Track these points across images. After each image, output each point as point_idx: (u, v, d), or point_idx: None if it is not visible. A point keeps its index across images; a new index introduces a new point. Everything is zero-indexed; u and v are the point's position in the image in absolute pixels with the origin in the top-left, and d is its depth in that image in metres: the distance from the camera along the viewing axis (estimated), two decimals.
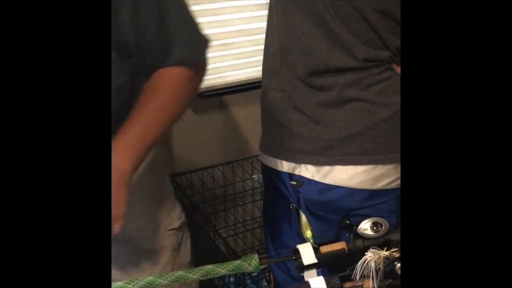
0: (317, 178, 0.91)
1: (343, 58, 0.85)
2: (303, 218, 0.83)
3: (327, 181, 0.90)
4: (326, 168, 0.90)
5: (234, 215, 1.62)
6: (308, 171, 0.91)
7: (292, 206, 0.94)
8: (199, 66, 0.83)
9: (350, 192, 0.88)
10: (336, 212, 0.87)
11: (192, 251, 1.10)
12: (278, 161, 0.95)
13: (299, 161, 0.91)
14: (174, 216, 1.03)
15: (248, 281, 1.55)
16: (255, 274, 1.57)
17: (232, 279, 1.53)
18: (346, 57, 0.85)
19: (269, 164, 0.98)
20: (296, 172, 0.92)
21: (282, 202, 0.98)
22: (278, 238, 1.01)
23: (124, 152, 0.73)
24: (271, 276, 1.39)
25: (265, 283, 1.56)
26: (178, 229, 1.04)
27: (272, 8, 0.93)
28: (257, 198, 1.64)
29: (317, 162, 0.90)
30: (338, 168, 0.89)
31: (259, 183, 1.52)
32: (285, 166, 0.94)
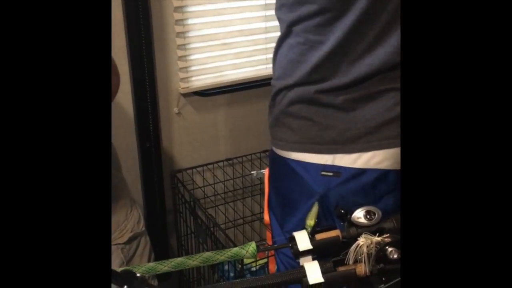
0: (349, 164, 0.91)
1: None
2: (315, 208, 0.85)
3: (358, 165, 0.90)
4: (358, 154, 0.90)
5: (234, 209, 1.65)
6: (342, 160, 0.91)
7: (319, 196, 0.92)
8: None
9: (383, 173, 0.90)
10: (368, 197, 0.87)
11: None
12: (307, 154, 0.94)
13: (333, 152, 0.91)
14: (125, 229, 1.01)
15: (248, 276, 1.58)
16: (254, 269, 1.60)
17: (232, 274, 1.56)
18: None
19: (291, 157, 0.97)
20: (329, 162, 0.92)
21: (304, 192, 0.98)
22: (290, 226, 1.03)
23: None
24: (270, 269, 1.42)
25: None
26: (127, 242, 1.01)
27: None
28: (256, 193, 1.67)
29: (353, 150, 0.90)
30: (371, 153, 0.90)
31: (258, 179, 1.55)
32: (315, 158, 0.93)
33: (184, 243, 1.64)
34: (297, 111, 0.94)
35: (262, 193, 1.63)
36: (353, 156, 0.91)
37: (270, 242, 1.29)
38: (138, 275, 0.59)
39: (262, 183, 1.59)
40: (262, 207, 1.64)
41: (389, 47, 0.86)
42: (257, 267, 1.58)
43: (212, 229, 1.43)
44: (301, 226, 0.92)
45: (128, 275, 0.58)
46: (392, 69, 0.88)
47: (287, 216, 1.03)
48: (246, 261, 1.52)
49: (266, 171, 1.22)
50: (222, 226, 1.59)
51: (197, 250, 1.55)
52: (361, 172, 0.91)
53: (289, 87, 0.94)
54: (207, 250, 1.49)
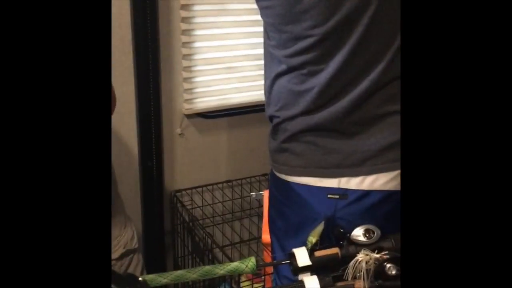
0: (355, 186, 0.91)
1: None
2: (320, 227, 0.86)
3: (363, 187, 0.91)
4: (363, 177, 0.91)
5: (232, 229, 1.65)
6: (348, 183, 0.92)
7: (325, 218, 0.92)
8: None
9: (387, 195, 0.90)
10: (374, 218, 0.86)
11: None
12: (311, 178, 0.94)
13: (338, 175, 0.92)
14: (118, 244, 1.01)
15: None
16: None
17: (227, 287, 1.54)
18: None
19: (295, 181, 0.97)
20: (335, 185, 0.93)
21: (309, 215, 0.96)
22: (291, 243, 1.02)
23: None
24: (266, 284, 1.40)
25: None
26: (119, 258, 1.01)
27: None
28: (254, 215, 1.67)
29: (359, 173, 0.91)
30: (375, 176, 0.90)
31: (256, 200, 1.56)
32: (319, 182, 0.94)
33: (181, 264, 1.63)
34: (301, 137, 0.95)
35: (261, 215, 1.63)
36: (358, 179, 0.92)
37: (268, 261, 1.29)
38: (140, 279, 0.60)
39: (261, 205, 1.59)
40: (260, 228, 1.64)
41: (386, 62, 0.87)
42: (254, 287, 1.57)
43: (210, 248, 1.42)
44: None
45: (131, 279, 0.58)
46: (392, 80, 0.88)
47: (291, 238, 1.03)
48: (243, 284, 1.51)
49: (265, 193, 1.23)
50: (220, 247, 1.59)
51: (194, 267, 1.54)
52: (366, 193, 0.92)
53: (293, 117, 0.94)
54: None
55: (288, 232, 1.04)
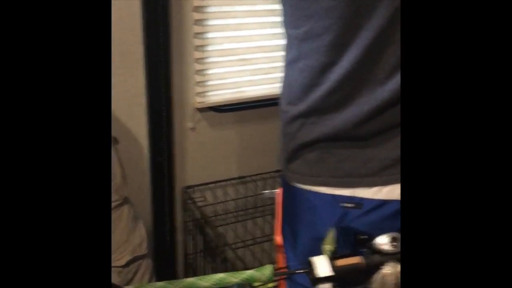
0: (370, 196, 0.87)
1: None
2: (332, 233, 0.81)
3: (379, 197, 0.87)
4: (379, 187, 0.87)
5: (245, 228, 1.60)
6: (363, 192, 0.87)
7: (338, 227, 0.90)
8: None
9: None
10: (391, 230, 0.81)
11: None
12: (323, 188, 0.90)
13: (352, 185, 0.87)
14: (125, 251, 0.98)
15: None
16: None
17: None
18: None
19: (306, 188, 0.92)
20: (348, 193, 0.88)
21: (318, 222, 0.94)
22: (303, 253, 0.98)
23: None
24: None
25: None
26: (126, 265, 0.98)
27: None
28: (268, 213, 1.63)
29: (374, 183, 0.86)
30: (391, 186, 0.85)
31: (270, 198, 1.51)
32: (332, 190, 0.89)
33: (192, 262, 1.59)
34: (314, 145, 0.88)
35: (274, 214, 1.58)
36: (374, 189, 0.86)
37: (280, 265, 1.24)
38: None
39: (274, 203, 1.54)
40: (273, 228, 1.59)
41: None
42: None
43: (221, 248, 1.38)
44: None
45: None
46: None
47: (301, 246, 0.99)
48: (254, 284, 1.47)
49: (278, 191, 1.18)
50: (232, 246, 1.54)
51: (205, 269, 1.51)
52: (382, 203, 0.87)
53: (304, 115, 0.88)
54: (215, 270, 1.44)
55: (298, 239, 0.99)
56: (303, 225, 0.96)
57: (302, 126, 0.90)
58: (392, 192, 0.87)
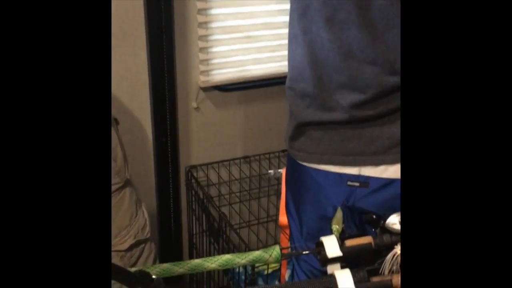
0: (377, 175, 0.85)
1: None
2: (339, 213, 0.79)
3: (386, 175, 0.85)
4: (385, 166, 0.84)
5: (249, 209, 1.59)
6: (369, 170, 0.85)
7: (344, 205, 0.88)
8: None
9: None
10: (397, 209, 0.82)
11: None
12: (330, 166, 0.88)
13: (358, 164, 0.85)
14: (127, 235, 0.96)
15: (259, 281, 1.52)
16: (266, 273, 1.54)
17: (242, 277, 1.50)
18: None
19: (312, 166, 0.91)
20: (355, 172, 0.86)
21: (324, 201, 0.92)
22: (307, 230, 0.97)
23: None
24: (283, 273, 1.36)
25: (277, 282, 1.52)
26: (129, 249, 0.96)
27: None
28: (272, 194, 1.61)
29: (382, 162, 0.84)
30: (398, 165, 0.83)
31: (275, 178, 1.49)
32: (339, 168, 0.88)
33: (196, 242, 1.58)
34: (319, 123, 0.87)
35: (279, 194, 1.56)
36: (381, 167, 0.85)
37: (284, 245, 1.23)
38: (154, 277, 0.53)
39: (279, 183, 1.53)
40: (277, 208, 1.58)
41: None
42: (270, 271, 1.52)
43: (224, 228, 1.37)
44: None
45: (143, 277, 0.52)
46: None
47: (307, 226, 0.97)
48: (258, 264, 1.46)
49: (283, 171, 1.16)
50: (235, 226, 1.53)
51: (208, 250, 1.50)
52: (389, 182, 0.85)
53: (308, 95, 0.86)
54: (218, 250, 1.43)
55: (303, 218, 0.98)
56: (308, 203, 0.94)
57: (309, 106, 0.88)
58: (399, 171, 0.85)
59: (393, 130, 0.83)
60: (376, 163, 0.85)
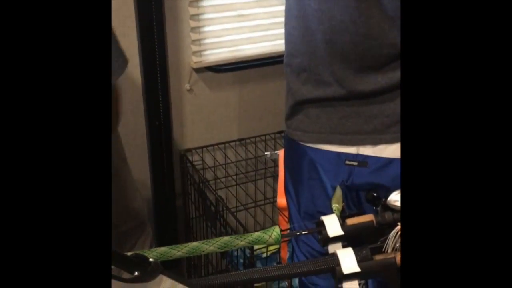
0: (376, 154, 0.83)
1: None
2: (338, 191, 0.77)
3: (385, 155, 0.82)
4: (385, 145, 0.82)
5: (245, 192, 1.57)
6: (368, 150, 0.83)
7: (343, 184, 0.86)
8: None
9: None
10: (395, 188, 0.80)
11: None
12: (327, 145, 0.86)
13: (357, 143, 0.83)
14: (123, 219, 0.96)
15: (258, 264, 1.51)
16: (265, 256, 1.53)
17: (241, 260, 1.49)
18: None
19: (309, 145, 0.89)
20: (353, 151, 0.84)
21: (322, 180, 0.90)
22: (306, 210, 0.95)
23: None
24: (282, 255, 1.35)
25: (275, 264, 1.51)
26: (125, 234, 0.97)
27: None
28: (269, 176, 1.59)
29: (381, 141, 0.82)
30: (398, 144, 0.82)
31: (272, 160, 1.47)
32: (336, 147, 0.86)
33: (192, 226, 1.56)
34: (316, 101, 0.85)
35: (276, 176, 1.55)
36: (380, 147, 0.83)
37: (283, 227, 1.21)
38: (151, 260, 0.51)
39: (276, 165, 1.51)
40: (275, 190, 1.56)
41: None
42: (268, 253, 1.51)
43: (221, 212, 1.35)
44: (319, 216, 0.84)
45: (141, 260, 0.50)
46: None
47: (306, 205, 0.96)
48: (256, 246, 1.45)
49: (280, 152, 1.14)
50: (232, 210, 1.52)
51: (206, 234, 1.48)
52: (388, 162, 0.83)
53: (304, 70, 0.84)
54: (215, 235, 1.42)
55: (302, 198, 0.96)
56: (307, 183, 0.93)
57: (305, 82, 0.85)
58: (398, 150, 0.83)
59: (393, 108, 0.81)
60: (375, 142, 0.83)
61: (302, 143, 0.90)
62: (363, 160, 0.84)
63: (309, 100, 0.86)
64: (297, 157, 0.93)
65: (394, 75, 0.80)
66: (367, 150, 0.84)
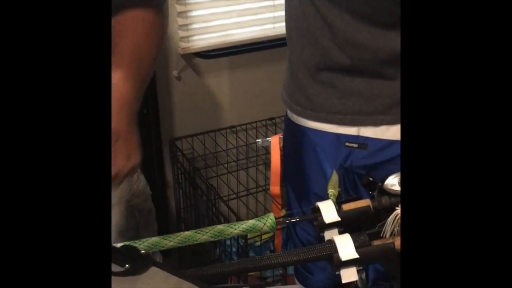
0: (377, 136, 0.81)
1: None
2: (335, 176, 0.76)
3: (387, 136, 0.80)
4: (386, 126, 0.80)
5: (237, 180, 1.55)
6: (368, 131, 0.82)
7: (340, 167, 0.84)
8: (159, 10, 0.77)
9: None
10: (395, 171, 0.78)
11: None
12: (326, 125, 0.85)
13: (357, 123, 0.81)
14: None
15: (251, 252, 1.49)
16: (258, 244, 1.52)
17: (234, 249, 1.47)
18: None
19: (309, 125, 0.87)
20: (353, 133, 0.82)
21: (322, 163, 0.87)
22: (305, 195, 0.93)
23: (126, 77, 0.66)
24: (276, 243, 1.33)
25: (269, 253, 1.50)
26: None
27: None
28: (261, 163, 1.57)
29: (381, 122, 0.80)
30: (399, 125, 0.80)
31: (263, 147, 1.45)
32: (336, 129, 0.84)
33: (183, 216, 1.54)
34: (316, 75, 0.82)
35: (268, 163, 1.53)
36: (381, 128, 0.81)
37: (276, 215, 1.20)
38: (142, 252, 0.49)
39: (268, 152, 1.49)
40: (267, 178, 1.54)
41: None
42: (262, 242, 1.50)
43: (213, 201, 1.33)
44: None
45: (131, 252, 0.47)
46: None
47: (305, 191, 0.94)
48: (249, 235, 1.43)
49: (272, 139, 1.12)
50: (224, 198, 1.50)
51: (197, 224, 1.46)
52: (389, 144, 0.81)
53: (304, 36, 0.81)
54: (208, 224, 1.40)
55: (302, 183, 0.94)
56: (305, 164, 0.91)
57: (304, 47, 0.82)
58: (399, 132, 0.81)
59: (394, 87, 0.79)
60: (376, 123, 0.81)
61: (300, 119, 0.88)
62: (364, 142, 0.83)
63: (308, 70, 0.83)
64: (296, 140, 0.92)
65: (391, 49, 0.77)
66: (367, 132, 0.82)
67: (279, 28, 1.46)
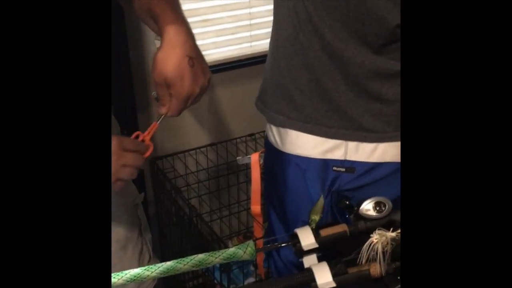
0: (364, 159, 0.82)
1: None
2: (320, 202, 0.77)
3: (374, 159, 0.81)
4: (372, 145, 0.81)
5: (219, 199, 1.56)
6: (356, 154, 0.81)
7: (328, 191, 0.85)
8: None
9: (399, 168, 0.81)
10: (386, 191, 0.76)
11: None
12: (311, 136, 0.83)
13: (343, 137, 0.81)
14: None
15: (234, 267, 1.50)
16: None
17: (217, 265, 1.48)
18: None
19: (295, 152, 0.86)
20: (340, 157, 0.82)
21: (309, 189, 0.87)
22: (294, 223, 0.93)
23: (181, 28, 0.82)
24: (258, 261, 1.34)
25: (252, 268, 1.51)
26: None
27: None
28: (242, 181, 1.59)
29: (366, 139, 0.80)
30: (388, 144, 0.80)
31: (243, 165, 1.46)
32: (323, 155, 0.83)
33: (166, 234, 1.54)
34: (298, 74, 0.81)
35: (249, 180, 1.54)
36: (369, 146, 0.81)
37: (258, 235, 1.20)
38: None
39: (248, 168, 1.50)
40: (248, 195, 1.56)
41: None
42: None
43: (195, 220, 1.34)
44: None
45: None
46: None
47: (289, 215, 0.94)
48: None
49: (252, 157, 1.13)
50: (206, 217, 1.51)
51: (179, 243, 1.47)
52: (376, 165, 0.83)
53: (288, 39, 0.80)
54: (190, 242, 1.40)
55: (287, 207, 0.95)
56: (292, 192, 0.91)
57: (291, 58, 0.81)
58: (387, 152, 0.82)
59: (379, 107, 0.80)
60: (360, 139, 0.81)
61: (285, 151, 0.87)
62: (351, 166, 0.83)
63: (297, 78, 0.82)
64: (281, 166, 0.90)
65: (388, 61, 0.78)
66: (354, 153, 0.83)
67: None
